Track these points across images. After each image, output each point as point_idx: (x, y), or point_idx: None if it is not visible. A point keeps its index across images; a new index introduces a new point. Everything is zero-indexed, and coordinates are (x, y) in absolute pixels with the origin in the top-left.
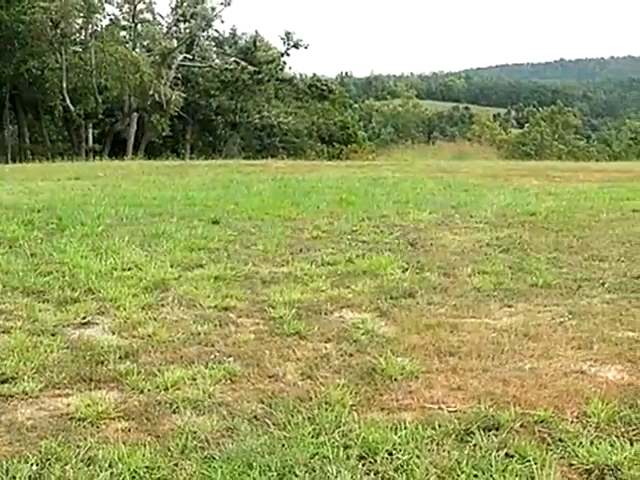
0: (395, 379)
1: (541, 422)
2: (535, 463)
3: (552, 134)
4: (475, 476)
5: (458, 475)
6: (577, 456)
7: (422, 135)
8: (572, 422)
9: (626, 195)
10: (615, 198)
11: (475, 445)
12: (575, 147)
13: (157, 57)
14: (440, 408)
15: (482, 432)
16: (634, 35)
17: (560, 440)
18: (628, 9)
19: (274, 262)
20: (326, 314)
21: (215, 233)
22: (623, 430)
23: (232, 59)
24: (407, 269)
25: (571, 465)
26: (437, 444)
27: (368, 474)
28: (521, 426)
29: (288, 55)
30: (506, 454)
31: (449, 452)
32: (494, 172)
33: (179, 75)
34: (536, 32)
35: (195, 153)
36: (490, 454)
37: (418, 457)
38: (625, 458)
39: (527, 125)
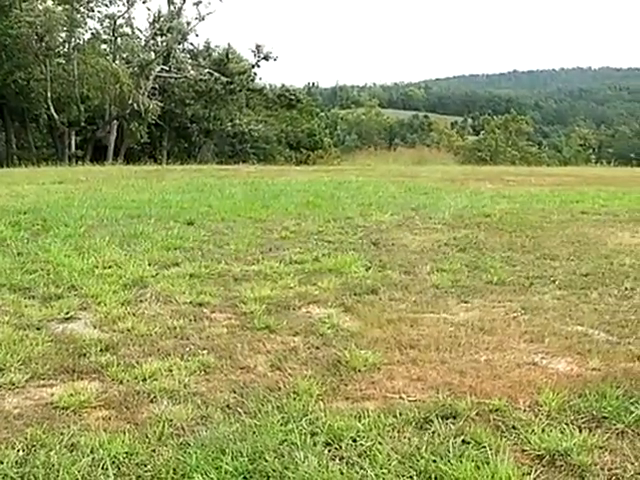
0: (359, 370)
1: (496, 411)
2: (490, 449)
3: (506, 141)
4: (434, 461)
5: (418, 460)
6: (529, 442)
7: (384, 142)
8: (525, 411)
9: (575, 198)
10: (565, 201)
11: (434, 432)
12: (527, 153)
13: (136, 68)
14: (401, 397)
15: (440, 420)
16: (582, 48)
17: (513, 427)
18: (577, 24)
19: (245, 261)
20: (294, 309)
21: (190, 234)
22: (572, 418)
23: (206, 70)
24: (370, 267)
25: (524, 451)
26: (398, 431)
27: (334, 459)
28: (477, 414)
29: (258, 67)
30: (463, 441)
31: (409, 439)
32: (451, 176)
33: (156, 85)
34: (491, 45)
35: (171, 158)
36: (448, 441)
37: (380, 443)
38: (574, 444)
39: (482, 132)
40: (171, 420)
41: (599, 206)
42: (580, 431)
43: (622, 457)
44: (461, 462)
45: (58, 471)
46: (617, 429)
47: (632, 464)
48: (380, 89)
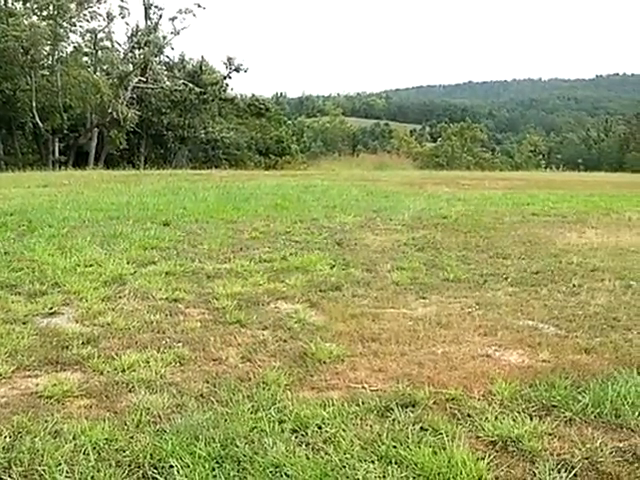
0: (324, 362)
1: (452, 400)
2: (446, 436)
3: (462, 147)
4: (394, 447)
5: (379, 446)
6: (483, 429)
7: (347, 148)
8: (479, 400)
9: (526, 201)
10: (517, 203)
11: (394, 420)
12: (482, 159)
13: (115, 80)
14: (363, 387)
15: (400, 408)
16: (533, 61)
17: (469, 415)
18: (528, 38)
19: (218, 259)
20: (263, 305)
21: (166, 234)
22: (524, 407)
23: (181, 81)
24: (334, 265)
25: (478, 437)
26: (361, 419)
27: (300, 445)
28: (434, 403)
29: (230, 78)
30: (421, 428)
31: (371, 426)
32: (410, 180)
33: (134, 95)
34: (448, 57)
35: (148, 164)
36: (407, 428)
37: (344, 430)
38: (525, 431)
39: (440, 139)
40: (148, 409)
41: (549, 208)
42: (531, 419)
43: (570, 443)
44: (419, 448)
45: (42, 456)
46: (565, 417)
47: (579, 450)
48: (344, 99)
